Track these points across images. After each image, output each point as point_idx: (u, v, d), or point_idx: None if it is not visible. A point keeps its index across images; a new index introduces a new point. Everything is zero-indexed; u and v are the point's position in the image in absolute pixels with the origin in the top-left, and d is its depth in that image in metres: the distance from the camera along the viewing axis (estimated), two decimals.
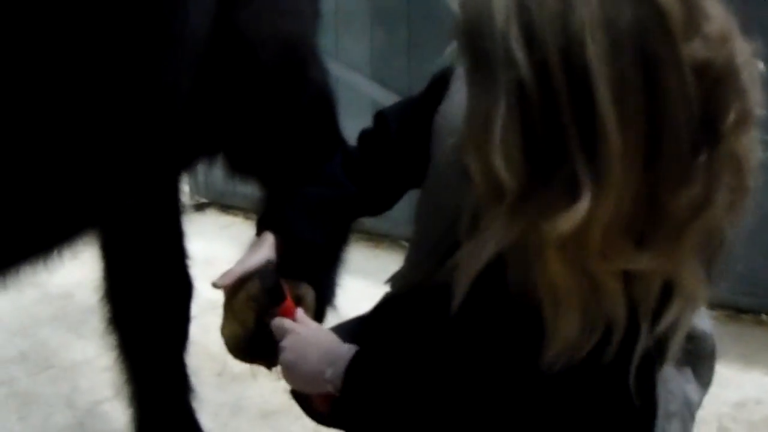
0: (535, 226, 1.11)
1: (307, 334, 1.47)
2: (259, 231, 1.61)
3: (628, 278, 1.14)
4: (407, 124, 1.66)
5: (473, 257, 1.22)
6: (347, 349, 1.43)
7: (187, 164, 2.07)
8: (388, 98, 3.93)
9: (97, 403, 2.94)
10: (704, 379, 1.61)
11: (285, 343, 1.46)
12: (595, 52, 1.03)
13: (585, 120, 1.05)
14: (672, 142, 1.06)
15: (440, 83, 1.59)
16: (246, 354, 1.56)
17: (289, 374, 1.47)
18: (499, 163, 1.10)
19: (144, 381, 2.41)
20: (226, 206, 4.75)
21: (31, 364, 3.21)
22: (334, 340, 1.47)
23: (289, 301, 1.51)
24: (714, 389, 1.64)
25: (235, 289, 1.52)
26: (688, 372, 1.58)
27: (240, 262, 1.54)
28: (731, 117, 1.10)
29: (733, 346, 3.00)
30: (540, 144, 1.09)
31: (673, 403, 1.51)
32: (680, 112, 1.06)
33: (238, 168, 2.12)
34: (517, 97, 1.08)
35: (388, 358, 1.42)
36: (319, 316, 2.11)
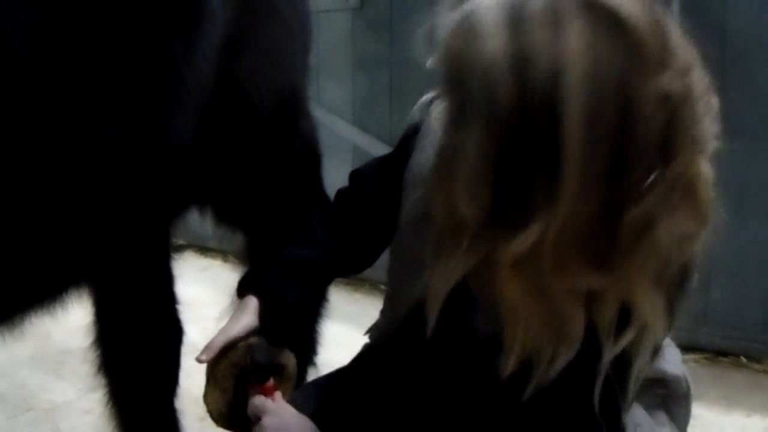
0: (494, 250, 1.14)
1: (287, 420, 1.47)
2: (240, 293, 1.61)
3: (589, 298, 1.16)
4: (382, 180, 1.67)
5: (439, 285, 1.24)
6: None
7: (180, 212, 2.08)
8: (369, 143, 3.97)
9: None
10: (681, 422, 1.62)
11: (266, 422, 1.46)
12: (572, 86, 1.06)
13: (553, 149, 1.07)
14: (634, 168, 1.09)
15: (411, 138, 1.61)
16: (228, 422, 1.56)
17: None
18: (462, 197, 1.13)
19: (134, 426, 2.38)
20: (204, 249, 4.75)
21: (10, 406, 3.17)
22: (312, 428, 1.47)
23: (271, 383, 1.52)
24: (695, 431, 1.64)
25: (218, 357, 1.52)
26: (662, 415, 1.58)
27: (222, 331, 1.53)
28: (685, 144, 1.12)
29: (714, 389, 3.01)
30: (506, 176, 1.11)
31: None
32: (645, 140, 1.08)
33: (224, 218, 2.13)
34: (491, 132, 1.10)
35: None
36: (300, 378, 2.11)
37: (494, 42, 1.11)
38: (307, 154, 2.13)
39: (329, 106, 4.09)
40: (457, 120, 1.17)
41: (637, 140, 1.08)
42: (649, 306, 1.18)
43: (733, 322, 3.29)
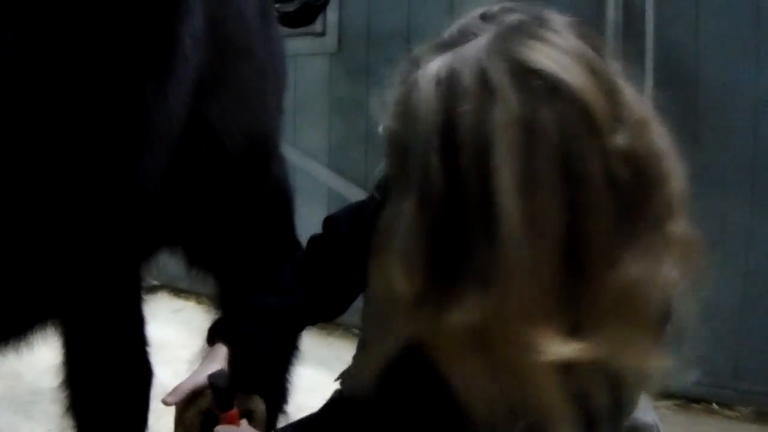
0: (430, 323, 1.13)
1: None
2: (210, 340, 1.60)
3: (567, 369, 1.12)
4: (356, 227, 1.67)
5: (375, 356, 1.23)
6: None
7: (149, 254, 2.06)
8: (344, 187, 3.97)
9: None
10: None
11: None
12: (504, 151, 1.04)
13: (487, 220, 1.06)
14: (597, 230, 1.07)
15: (384, 187, 1.61)
16: None
17: None
18: (397, 271, 1.12)
19: None
20: (177, 290, 4.72)
21: None
22: None
23: (234, 411, 1.51)
24: None
25: (186, 403, 1.51)
26: None
27: (191, 376, 1.52)
28: (657, 204, 1.12)
29: None
30: (442, 247, 1.10)
31: None
32: (605, 200, 1.07)
33: (196, 261, 2.12)
34: (425, 202, 1.10)
35: None
36: (270, 424, 2.09)
37: (426, 121, 1.10)
38: (278, 197, 2.13)
39: (305, 149, 4.10)
40: (396, 193, 1.17)
41: (591, 205, 1.07)
42: (640, 361, 1.17)
43: (705, 369, 3.29)
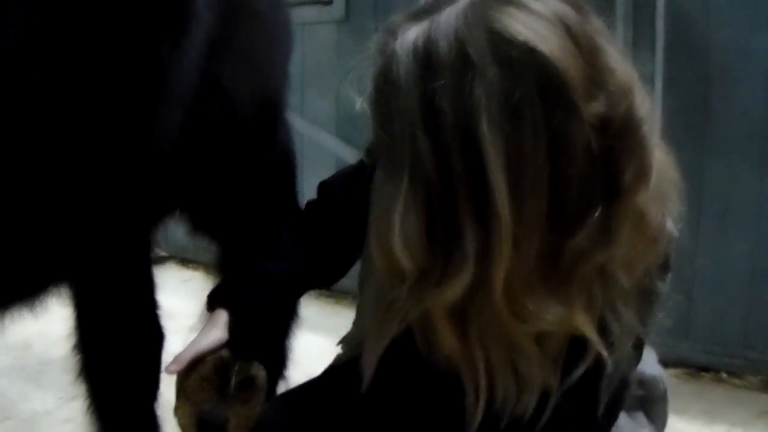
0: (430, 299, 1.13)
1: None
2: (210, 306, 1.61)
3: (538, 337, 1.16)
4: (350, 189, 1.67)
5: (379, 336, 1.24)
6: None
7: (160, 217, 2.06)
8: (353, 156, 3.95)
9: None
10: (659, 422, 1.62)
11: None
12: (487, 125, 1.04)
13: (479, 195, 1.06)
14: (574, 198, 1.08)
15: (374, 151, 1.60)
16: None
17: None
18: (398, 249, 1.12)
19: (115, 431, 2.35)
20: (186, 260, 4.73)
21: None
22: None
23: None
24: None
25: (187, 371, 1.51)
26: (641, 417, 1.59)
27: (192, 343, 1.52)
28: (631, 171, 1.11)
29: (695, 404, 3.02)
30: (438, 225, 1.10)
31: None
32: (582, 169, 1.07)
33: (200, 226, 2.12)
34: (417, 180, 1.10)
35: None
36: (270, 391, 2.10)
37: (408, 94, 1.10)
38: (283, 163, 2.13)
39: (313, 118, 4.09)
40: (387, 171, 1.16)
41: (572, 175, 1.07)
42: (617, 326, 1.17)
43: (714, 338, 3.30)
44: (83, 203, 1.55)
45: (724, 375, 3.34)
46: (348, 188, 1.68)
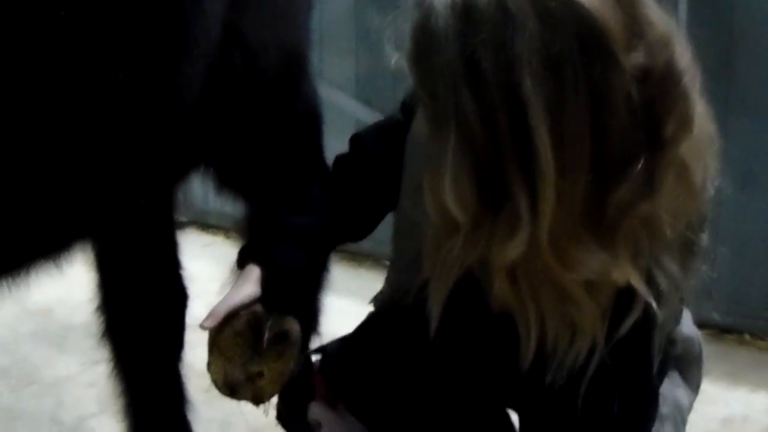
0: (487, 252, 1.15)
1: None
2: (240, 263, 1.60)
3: (587, 288, 1.17)
4: (383, 143, 1.66)
5: (439, 285, 1.25)
6: None
7: (184, 172, 2.05)
8: (372, 118, 3.93)
9: (83, 419, 2.91)
10: (693, 383, 1.62)
11: None
12: (530, 79, 1.04)
13: (524, 149, 1.07)
14: (617, 149, 1.08)
15: (412, 103, 1.60)
16: (234, 391, 1.55)
17: None
18: (451, 201, 1.13)
19: (139, 392, 2.36)
20: (206, 225, 4.73)
21: (14, 380, 3.18)
22: None
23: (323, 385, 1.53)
24: (701, 406, 1.64)
25: (220, 327, 1.51)
26: (676, 376, 1.59)
27: (224, 299, 1.53)
28: (673, 122, 1.10)
29: (718, 365, 3.00)
30: (487, 180, 1.11)
31: (664, 406, 1.52)
32: (624, 120, 1.07)
33: (226, 182, 2.11)
34: (464, 137, 1.10)
35: None
36: (304, 345, 2.09)
37: (448, 50, 1.10)
38: (308, 117, 2.11)
39: (332, 80, 4.06)
40: (433, 127, 1.17)
41: (614, 126, 1.07)
42: (664, 277, 1.18)
43: (738, 300, 3.28)
44: (108, 155, 1.55)
45: (747, 337, 3.32)
46: (380, 142, 1.68)
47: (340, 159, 1.75)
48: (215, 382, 1.54)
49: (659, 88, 1.09)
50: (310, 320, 2.26)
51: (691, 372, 1.62)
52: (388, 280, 1.70)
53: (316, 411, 1.50)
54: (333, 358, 1.64)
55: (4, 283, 1.66)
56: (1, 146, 1.40)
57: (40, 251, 1.67)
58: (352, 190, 1.67)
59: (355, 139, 1.74)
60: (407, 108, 1.60)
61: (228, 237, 4.48)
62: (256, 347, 1.53)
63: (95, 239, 2.12)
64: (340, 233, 1.68)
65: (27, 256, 1.65)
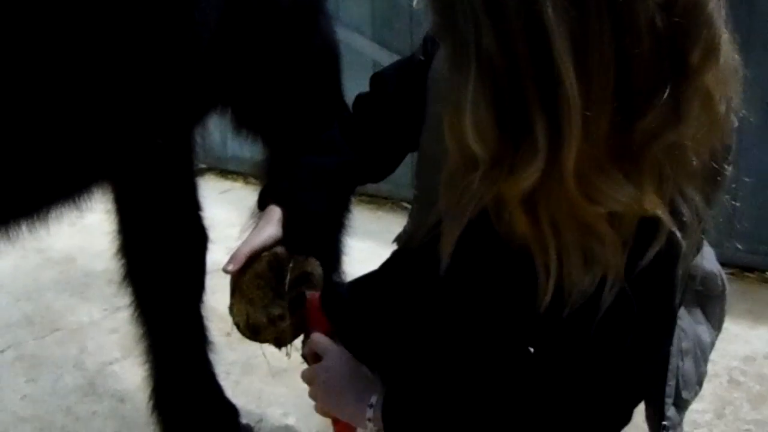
0: (505, 187, 1.13)
1: (343, 366, 1.47)
2: (261, 204, 1.60)
3: (610, 219, 1.15)
4: (405, 81, 1.65)
5: (454, 222, 1.24)
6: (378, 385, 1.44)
7: (203, 112, 2.04)
8: (389, 60, 3.90)
9: (106, 364, 2.94)
10: (716, 320, 1.61)
11: (326, 364, 1.48)
12: (552, 7, 1.01)
13: (547, 80, 1.05)
14: (641, 78, 1.06)
15: (433, 41, 1.58)
16: (256, 333, 1.55)
17: (323, 402, 1.50)
18: (471, 136, 1.11)
19: (161, 335, 2.36)
20: (225, 171, 4.74)
21: (37, 327, 3.22)
22: (364, 378, 1.47)
23: (324, 319, 1.52)
24: (723, 344, 1.63)
25: (242, 269, 1.51)
26: (698, 313, 1.59)
27: (246, 241, 1.52)
28: (698, 50, 1.08)
29: (740, 303, 3.01)
30: (508, 113, 1.09)
31: (685, 341, 1.52)
32: (648, 48, 1.05)
33: (243, 123, 2.09)
34: (485, 69, 1.08)
35: (419, 389, 1.41)
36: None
37: None
38: (326, 53, 2.09)
39: (349, 22, 4.02)
40: (453, 63, 1.14)
41: (638, 54, 1.04)
42: (687, 208, 1.17)
43: (759, 238, 3.26)
44: (127, 92, 1.54)
45: None
46: (401, 81, 1.66)
47: (360, 98, 1.73)
48: (237, 324, 1.53)
49: (684, 16, 1.06)
50: (332, 261, 2.26)
51: (713, 309, 1.61)
52: (411, 216, 1.69)
53: (318, 340, 1.50)
54: (338, 294, 1.64)
55: (26, 227, 1.67)
56: (22, 86, 1.40)
57: (62, 192, 1.67)
58: (373, 129, 1.66)
59: (376, 78, 1.72)
60: (428, 46, 1.58)
61: (246, 183, 4.50)
62: (278, 289, 1.53)
63: (115, 180, 2.10)
64: (361, 173, 1.67)
65: (48, 197, 1.65)
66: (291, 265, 1.53)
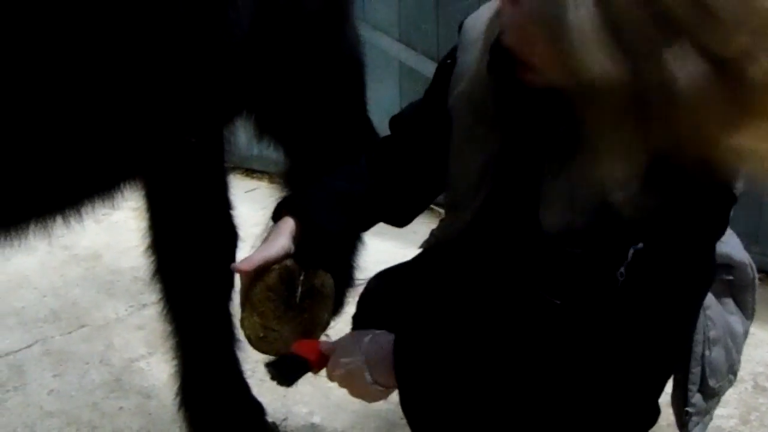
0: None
1: (351, 355, 1.46)
2: (277, 215, 1.60)
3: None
4: (423, 119, 1.64)
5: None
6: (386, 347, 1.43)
7: (233, 113, 2.04)
8: (415, 60, 3.91)
9: (133, 360, 2.96)
10: (747, 309, 1.61)
11: (334, 367, 1.48)
12: None
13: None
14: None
15: (446, 66, 1.58)
16: (266, 345, 1.55)
17: (351, 388, 1.50)
18: (591, 60, 1.05)
19: (189, 332, 2.37)
20: (250, 170, 4.75)
21: (64, 323, 3.24)
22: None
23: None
24: (748, 350, 1.63)
25: (253, 281, 1.51)
26: (730, 303, 1.58)
27: (260, 249, 1.52)
28: None
29: (766, 309, 2.98)
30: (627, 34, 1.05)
31: (713, 330, 1.51)
32: None
33: (267, 130, 2.10)
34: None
35: (429, 343, 1.41)
36: (338, 301, 2.08)
37: None
38: (350, 62, 2.10)
39: (375, 23, 4.03)
40: None
41: None
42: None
43: None
44: (161, 90, 1.55)
45: None
46: (420, 117, 1.66)
47: (383, 141, 1.73)
48: (249, 337, 1.54)
49: None
50: (345, 276, 2.26)
51: (745, 298, 1.61)
52: (441, 221, 1.70)
53: (322, 346, 1.50)
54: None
55: (59, 221, 1.68)
56: (54, 80, 1.41)
57: (98, 186, 1.69)
58: (394, 177, 1.66)
59: (396, 121, 1.73)
60: (444, 69, 1.58)
61: (272, 182, 4.49)
62: (289, 302, 1.53)
63: (148, 177, 2.12)
64: (383, 212, 1.68)
65: (84, 192, 1.67)
66: (302, 278, 1.53)
